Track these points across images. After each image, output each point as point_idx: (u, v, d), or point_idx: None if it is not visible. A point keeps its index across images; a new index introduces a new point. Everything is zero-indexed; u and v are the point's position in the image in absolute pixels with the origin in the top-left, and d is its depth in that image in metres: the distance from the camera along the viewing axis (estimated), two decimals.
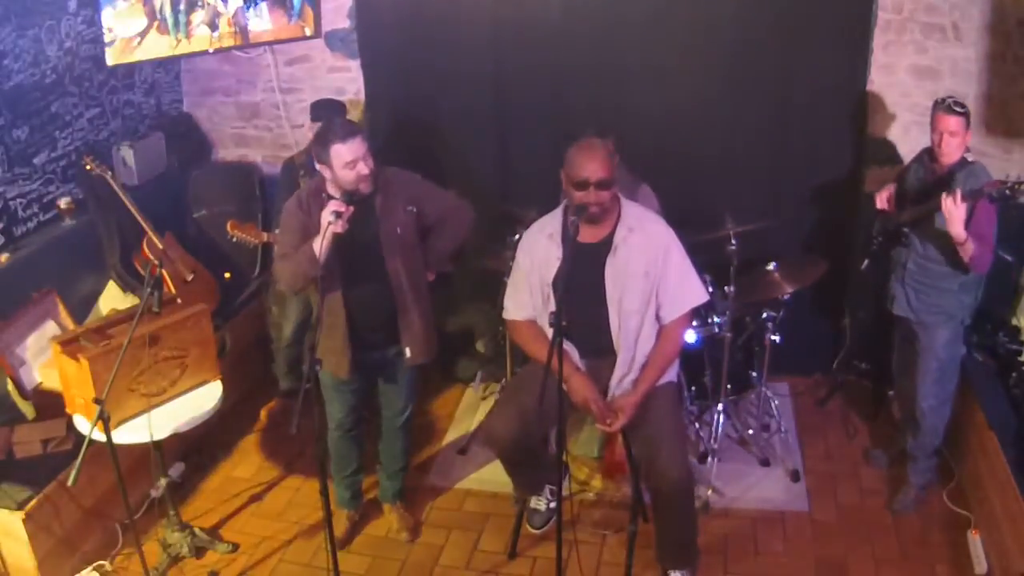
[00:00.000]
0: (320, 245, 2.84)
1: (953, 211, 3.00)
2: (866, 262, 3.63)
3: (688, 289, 3.05)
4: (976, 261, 3.13)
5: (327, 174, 2.99)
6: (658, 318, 3.07)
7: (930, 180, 3.30)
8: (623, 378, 3.08)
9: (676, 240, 3.04)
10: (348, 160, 2.92)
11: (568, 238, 2.77)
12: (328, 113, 3.79)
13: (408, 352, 3.22)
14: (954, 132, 3.14)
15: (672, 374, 3.19)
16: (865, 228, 4.18)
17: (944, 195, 3.01)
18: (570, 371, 3.03)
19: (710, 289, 3.77)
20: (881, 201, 3.50)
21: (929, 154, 3.33)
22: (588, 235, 3.00)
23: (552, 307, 2.96)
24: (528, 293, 3.13)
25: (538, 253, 3.07)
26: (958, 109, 3.12)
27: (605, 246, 2.99)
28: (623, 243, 2.97)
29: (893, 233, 3.44)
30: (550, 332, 2.71)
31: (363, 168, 2.95)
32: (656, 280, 3.00)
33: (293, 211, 3.10)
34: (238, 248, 4.03)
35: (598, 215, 2.92)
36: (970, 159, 3.22)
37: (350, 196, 2.91)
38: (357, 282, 3.08)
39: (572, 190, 2.91)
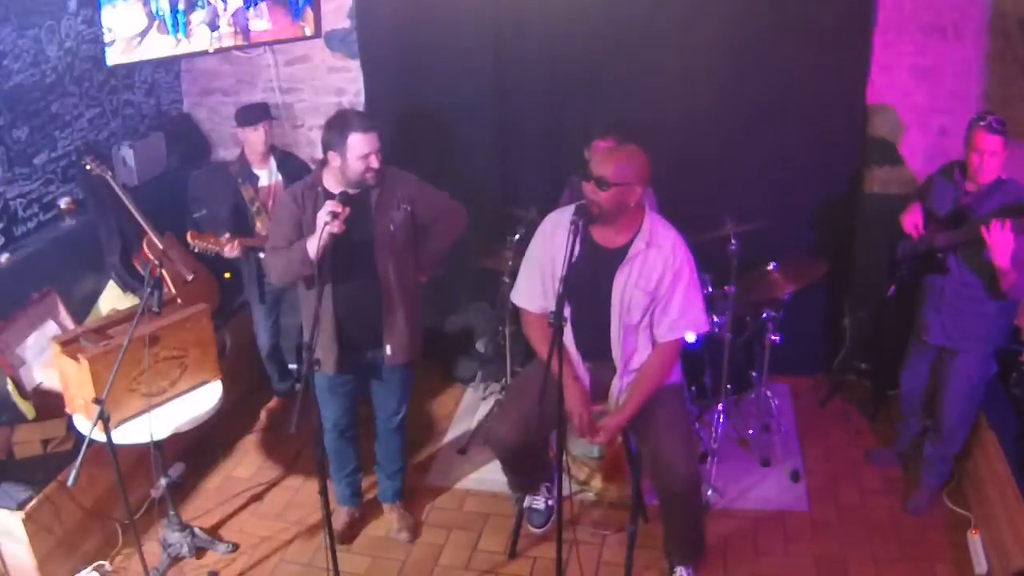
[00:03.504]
0: (315, 245, 2.84)
1: (1002, 242, 2.91)
2: (893, 288, 3.51)
3: (690, 316, 3.01)
4: (1016, 289, 3.04)
5: (335, 163, 2.99)
6: (652, 333, 3.06)
7: (964, 201, 3.19)
8: (622, 383, 3.09)
9: (691, 263, 2.99)
10: (364, 152, 2.94)
11: (571, 238, 2.75)
12: (255, 117, 3.84)
13: (389, 350, 3.22)
14: (995, 152, 3.02)
15: (676, 374, 3.19)
16: (865, 228, 4.20)
17: (991, 225, 2.90)
18: (568, 380, 3.01)
19: (709, 289, 3.78)
20: (911, 226, 3.32)
21: (961, 169, 3.21)
22: (605, 239, 2.99)
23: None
24: (541, 283, 3.10)
25: (556, 245, 3.01)
26: (998, 127, 2.99)
27: (620, 255, 2.96)
28: (638, 256, 2.94)
29: (926, 258, 3.31)
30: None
31: (374, 162, 2.97)
32: (659, 299, 2.98)
33: (287, 204, 3.09)
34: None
35: (595, 215, 2.88)
36: (1004, 176, 3.11)
37: (346, 196, 2.91)
38: (347, 279, 3.08)
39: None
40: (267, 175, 3.93)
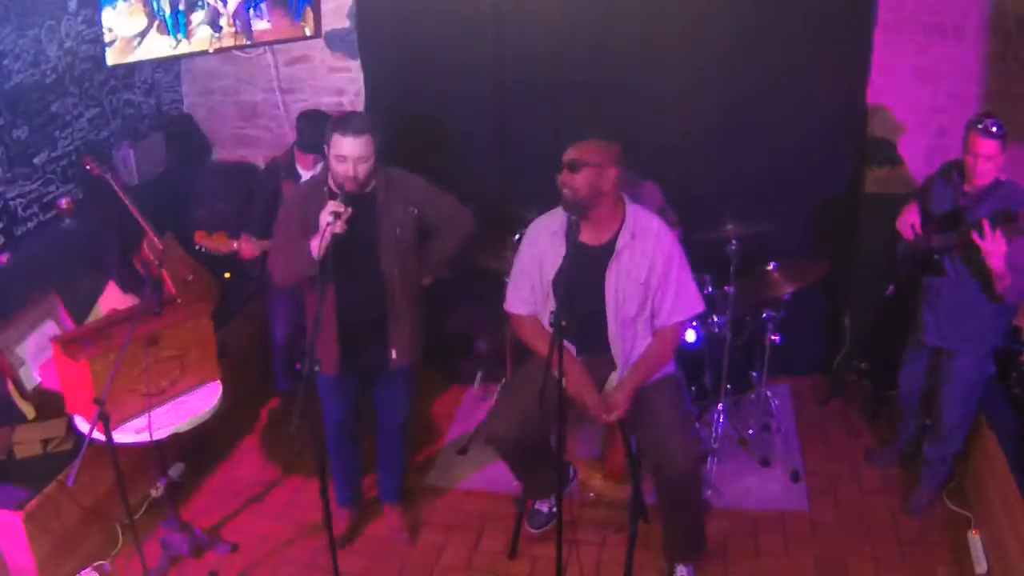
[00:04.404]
0: (318, 245, 2.84)
1: (992, 248, 2.90)
2: (891, 288, 3.52)
3: (685, 300, 3.05)
4: (1011, 292, 3.04)
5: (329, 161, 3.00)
6: (653, 322, 3.08)
7: (961, 203, 3.19)
8: (622, 374, 3.10)
9: (679, 248, 3.03)
10: (340, 154, 2.93)
11: (569, 239, 2.77)
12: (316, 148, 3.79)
13: (394, 353, 3.22)
14: (991, 156, 3.01)
15: (671, 367, 3.20)
16: (865, 228, 4.20)
17: (983, 230, 2.90)
18: (568, 365, 3.03)
19: (709, 289, 3.78)
20: (906, 229, 3.34)
21: (959, 171, 3.20)
22: (591, 236, 3.01)
23: (551, 306, 2.97)
24: (530, 288, 3.13)
25: (540, 249, 3.07)
26: (995, 132, 2.98)
27: (608, 249, 2.99)
28: (626, 248, 2.98)
29: (923, 259, 3.31)
30: (551, 330, 2.72)
31: (351, 169, 2.94)
32: (655, 289, 3.00)
33: (292, 203, 3.10)
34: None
35: (571, 201, 2.91)
36: (1002, 178, 3.10)
37: (349, 196, 2.91)
38: (351, 280, 3.08)
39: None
40: (309, 176, 3.93)
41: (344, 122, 2.97)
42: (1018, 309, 3.37)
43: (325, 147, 3.00)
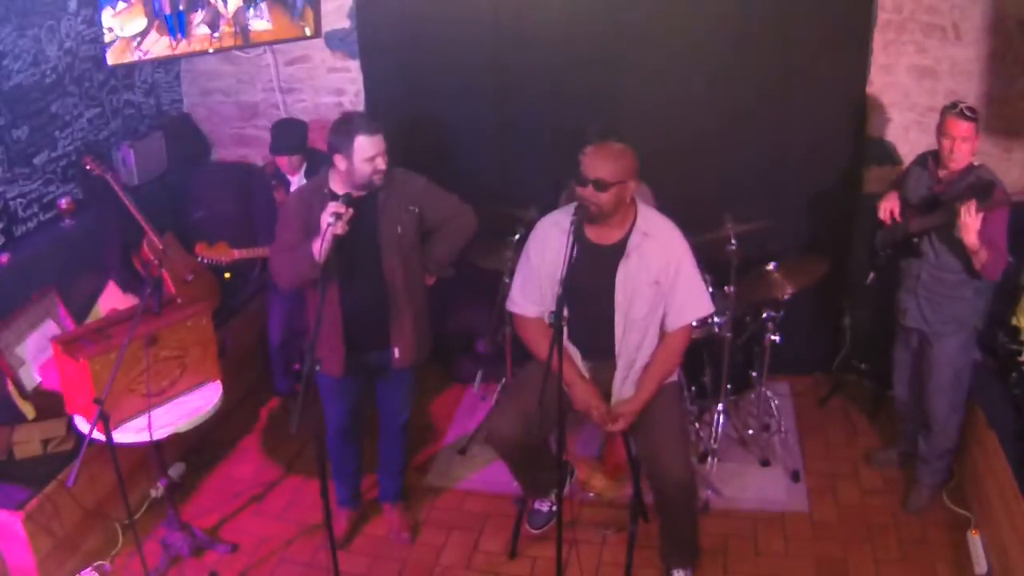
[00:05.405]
0: (320, 246, 2.84)
1: (969, 222, 2.96)
2: (872, 275, 3.54)
3: (694, 301, 3.04)
4: (988, 268, 3.10)
5: (342, 165, 2.99)
6: (662, 325, 3.07)
7: (937, 187, 3.25)
8: (624, 380, 3.09)
9: (689, 250, 3.03)
10: (371, 155, 2.94)
11: (571, 239, 2.77)
12: (292, 149, 3.84)
13: (396, 353, 3.22)
14: (966, 138, 3.08)
15: (674, 373, 3.19)
16: (865, 228, 4.19)
17: (959, 206, 2.96)
18: (573, 378, 3.04)
19: (710, 289, 3.78)
20: (885, 214, 3.39)
21: (934, 158, 3.27)
22: (601, 237, 3.00)
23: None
24: (536, 287, 3.11)
25: (550, 248, 3.03)
26: (969, 114, 3.06)
27: (618, 250, 2.98)
28: (636, 249, 2.96)
29: (902, 244, 3.36)
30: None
31: (380, 164, 2.97)
32: (665, 290, 2.99)
33: (294, 206, 3.10)
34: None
35: (595, 215, 2.90)
36: (976, 162, 3.18)
37: (350, 197, 2.91)
38: (353, 279, 3.08)
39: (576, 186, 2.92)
40: (298, 180, 3.95)
41: (360, 124, 2.96)
42: (994, 290, 3.40)
43: (338, 156, 2.97)
